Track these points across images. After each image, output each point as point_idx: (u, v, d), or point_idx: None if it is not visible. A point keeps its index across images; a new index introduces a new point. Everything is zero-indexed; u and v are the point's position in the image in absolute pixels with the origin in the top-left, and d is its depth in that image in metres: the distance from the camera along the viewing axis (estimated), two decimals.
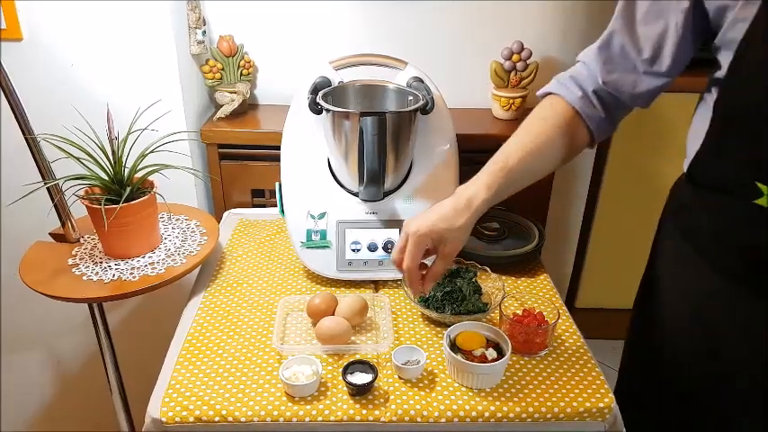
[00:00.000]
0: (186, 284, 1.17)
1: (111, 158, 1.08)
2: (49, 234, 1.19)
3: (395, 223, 1.16)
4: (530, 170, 0.91)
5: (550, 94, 0.94)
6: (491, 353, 0.91)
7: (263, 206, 1.47)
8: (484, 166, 0.89)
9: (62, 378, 1.71)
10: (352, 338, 1.00)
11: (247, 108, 1.49)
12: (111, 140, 1.08)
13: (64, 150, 1.06)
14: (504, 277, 1.15)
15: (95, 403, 1.64)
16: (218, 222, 1.36)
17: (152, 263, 1.10)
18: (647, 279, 1.02)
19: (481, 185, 0.87)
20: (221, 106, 1.43)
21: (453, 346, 0.93)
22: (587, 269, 2.00)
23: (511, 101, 1.45)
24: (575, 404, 0.87)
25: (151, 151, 1.11)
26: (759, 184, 0.73)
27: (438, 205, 0.88)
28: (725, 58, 0.77)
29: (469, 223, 0.87)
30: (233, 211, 1.41)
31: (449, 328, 0.95)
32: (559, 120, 0.91)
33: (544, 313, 1.01)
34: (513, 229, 1.30)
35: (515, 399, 0.88)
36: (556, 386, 0.90)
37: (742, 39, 0.72)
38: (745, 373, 0.83)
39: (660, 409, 0.98)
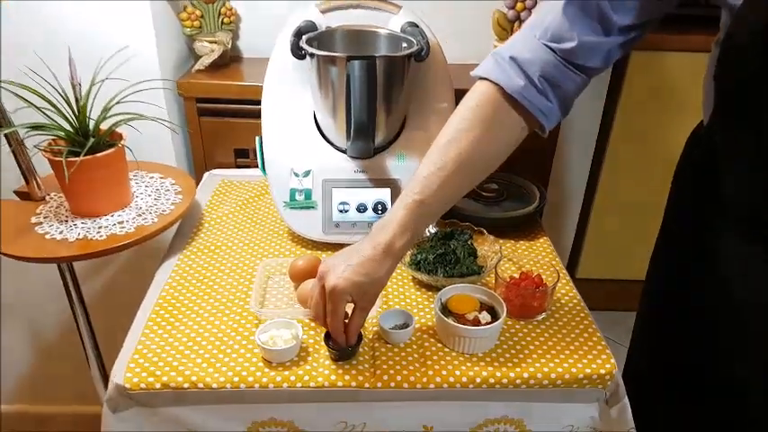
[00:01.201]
0: (165, 250, 1.10)
1: (74, 107, 1.00)
2: (14, 192, 1.11)
3: (386, 182, 1.08)
4: (456, 190, 0.79)
5: (486, 79, 0.78)
6: (485, 316, 0.84)
7: (248, 167, 1.38)
8: (402, 193, 0.78)
9: (43, 348, 1.64)
10: None
11: (229, 60, 1.40)
12: (73, 87, 1.00)
13: (23, 99, 0.97)
14: (501, 240, 1.08)
15: (76, 372, 1.58)
16: (198, 183, 1.28)
17: (121, 222, 1.02)
18: (661, 243, 0.95)
19: (398, 229, 0.76)
20: (201, 58, 1.34)
21: (445, 310, 0.86)
22: (589, 238, 1.92)
23: None
24: (573, 370, 0.81)
25: (118, 102, 1.02)
26: None
27: (354, 252, 0.77)
28: (724, 23, 0.70)
29: (391, 270, 0.77)
30: (214, 171, 1.33)
31: (440, 291, 0.88)
32: (497, 116, 0.77)
33: (543, 276, 0.93)
34: (513, 190, 1.22)
35: (509, 364, 0.81)
36: (553, 351, 0.84)
37: (740, 6, 0.64)
38: (764, 342, 0.76)
39: (667, 380, 0.92)
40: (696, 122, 0.89)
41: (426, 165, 0.77)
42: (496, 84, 0.77)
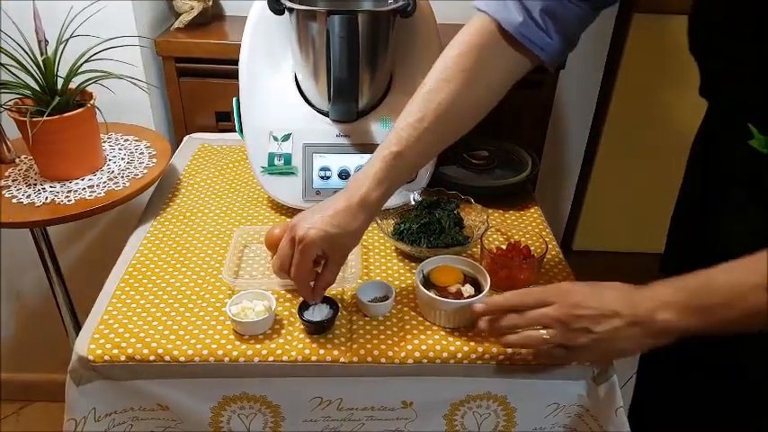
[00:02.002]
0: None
1: (40, 64, 0.94)
2: None
3: (370, 148, 1.01)
4: (436, 143, 0.76)
5: (484, 13, 0.75)
6: (468, 289, 0.80)
7: (230, 131, 1.33)
8: (380, 145, 0.76)
9: (25, 315, 1.61)
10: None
11: (210, 18, 1.33)
12: (39, 43, 0.94)
13: None
14: (490, 210, 1.03)
15: (58, 339, 1.55)
16: (177, 147, 1.23)
17: (92, 186, 0.97)
18: (676, 217, 0.90)
19: (373, 181, 0.73)
20: (181, 15, 1.27)
21: (426, 282, 0.82)
22: (586, 209, 1.87)
23: None
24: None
25: (88, 59, 0.97)
26: (751, 126, 0.64)
27: (328, 204, 0.74)
28: None
29: (365, 225, 0.74)
30: (194, 135, 1.27)
31: (422, 262, 0.84)
32: (486, 58, 0.74)
33: (531, 248, 0.89)
34: (504, 158, 1.17)
35: (493, 338, 0.77)
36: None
37: None
38: None
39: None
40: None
41: (405, 116, 0.74)
42: (494, 18, 0.73)
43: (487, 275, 0.81)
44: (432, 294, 0.78)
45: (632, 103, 1.68)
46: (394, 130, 0.74)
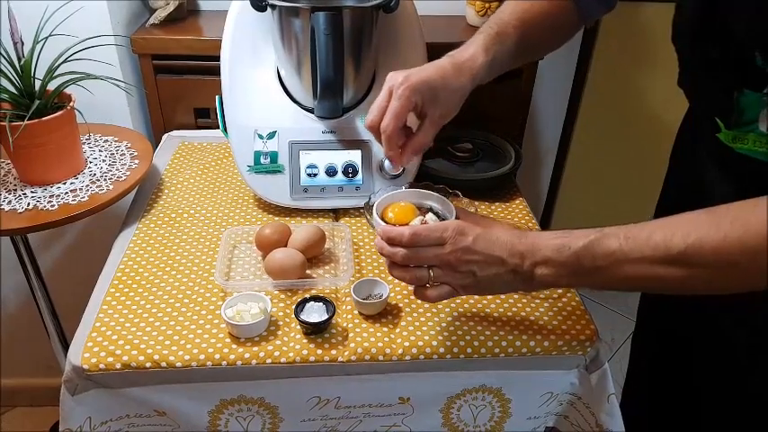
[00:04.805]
0: (124, 216, 1.03)
1: (17, 67, 0.91)
2: None
3: (356, 144, 1.03)
4: (526, 41, 0.81)
5: None
6: (431, 217, 0.73)
7: (210, 128, 1.31)
8: (476, 33, 0.80)
9: (5, 320, 1.57)
10: (308, 272, 0.89)
11: (186, 14, 1.30)
12: (15, 44, 0.91)
13: None
14: (477, 202, 1.05)
15: (40, 343, 1.52)
16: (157, 146, 1.21)
17: (74, 190, 0.95)
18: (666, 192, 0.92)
19: (478, 49, 0.76)
20: (156, 11, 1.24)
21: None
22: (562, 194, 1.90)
23: (486, 5, 1.29)
24: (553, 337, 0.79)
25: (65, 60, 0.94)
26: (717, 120, 0.67)
27: (429, 63, 0.76)
28: None
29: (468, 86, 0.76)
30: (173, 133, 1.25)
31: (374, 204, 0.74)
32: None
33: None
34: (488, 150, 1.18)
35: (487, 332, 0.79)
36: (532, 317, 0.82)
37: None
38: None
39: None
40: (670, 77, 0.85)
41: (500, 12, 0.83)
42: None
43: (451, 205, 0.74)
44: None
45: (605, 91, 1.70)
46: (493, 20, 0.81)
